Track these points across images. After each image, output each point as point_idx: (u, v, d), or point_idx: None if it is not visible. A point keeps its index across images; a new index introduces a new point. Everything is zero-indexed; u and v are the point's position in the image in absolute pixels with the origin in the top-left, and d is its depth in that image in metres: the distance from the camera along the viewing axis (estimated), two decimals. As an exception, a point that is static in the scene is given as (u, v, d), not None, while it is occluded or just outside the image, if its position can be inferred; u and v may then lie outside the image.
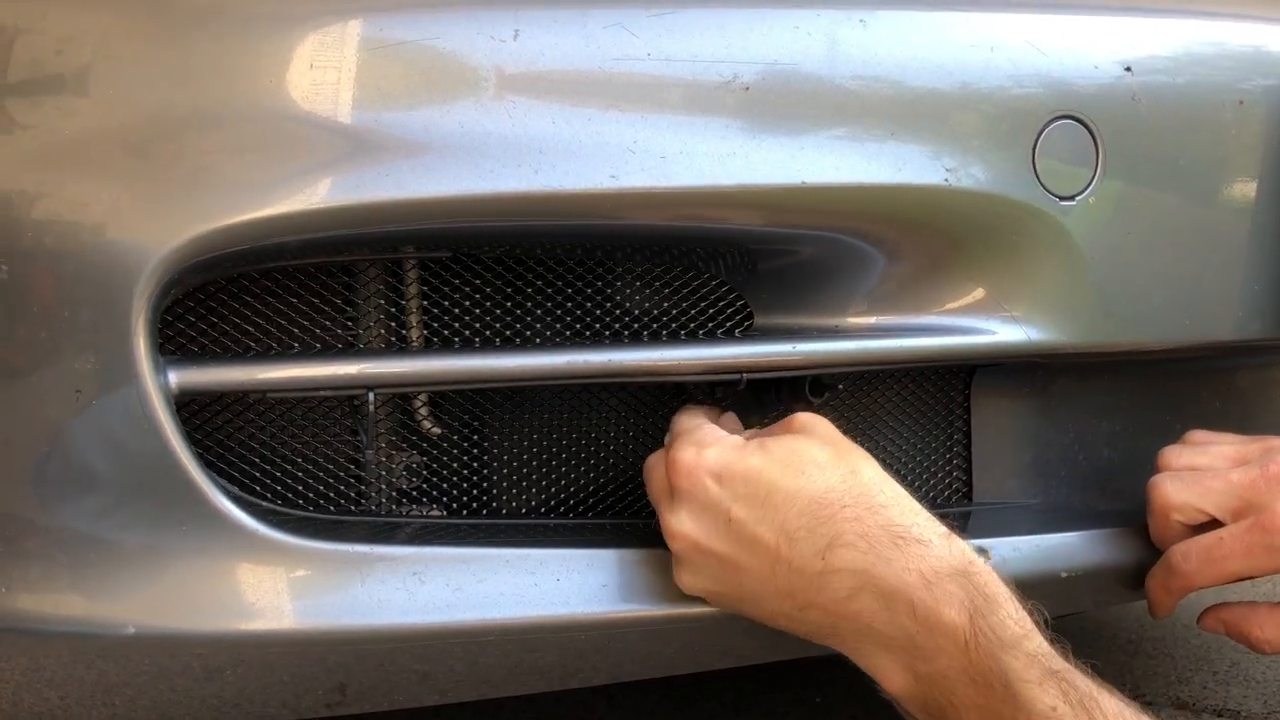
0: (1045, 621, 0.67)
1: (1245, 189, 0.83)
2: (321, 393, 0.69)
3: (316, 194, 0.65)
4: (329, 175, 0.65)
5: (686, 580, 0.72)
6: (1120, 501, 0.90)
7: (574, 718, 1.30)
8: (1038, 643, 0.65)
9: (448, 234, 0.71)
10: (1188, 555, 0.80)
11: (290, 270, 0.72)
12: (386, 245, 0.72)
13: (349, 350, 0.73)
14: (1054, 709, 0.63)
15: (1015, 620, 0.66)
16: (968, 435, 0.89)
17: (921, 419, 0.88)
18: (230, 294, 0.72)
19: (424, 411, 0.78)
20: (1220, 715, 1.33)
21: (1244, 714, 1.33)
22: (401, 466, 0.78)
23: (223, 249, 0.65)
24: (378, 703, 0.73)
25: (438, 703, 0.74)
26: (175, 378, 0.66)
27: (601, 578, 0.72)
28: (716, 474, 0.69)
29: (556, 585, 0.71)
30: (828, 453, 0.70)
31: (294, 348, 0.72)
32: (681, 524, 0.70)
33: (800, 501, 0.68)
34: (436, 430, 0.78)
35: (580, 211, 0.69)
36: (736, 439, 0.71)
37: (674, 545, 0.71)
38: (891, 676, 0.69)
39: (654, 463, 0.74)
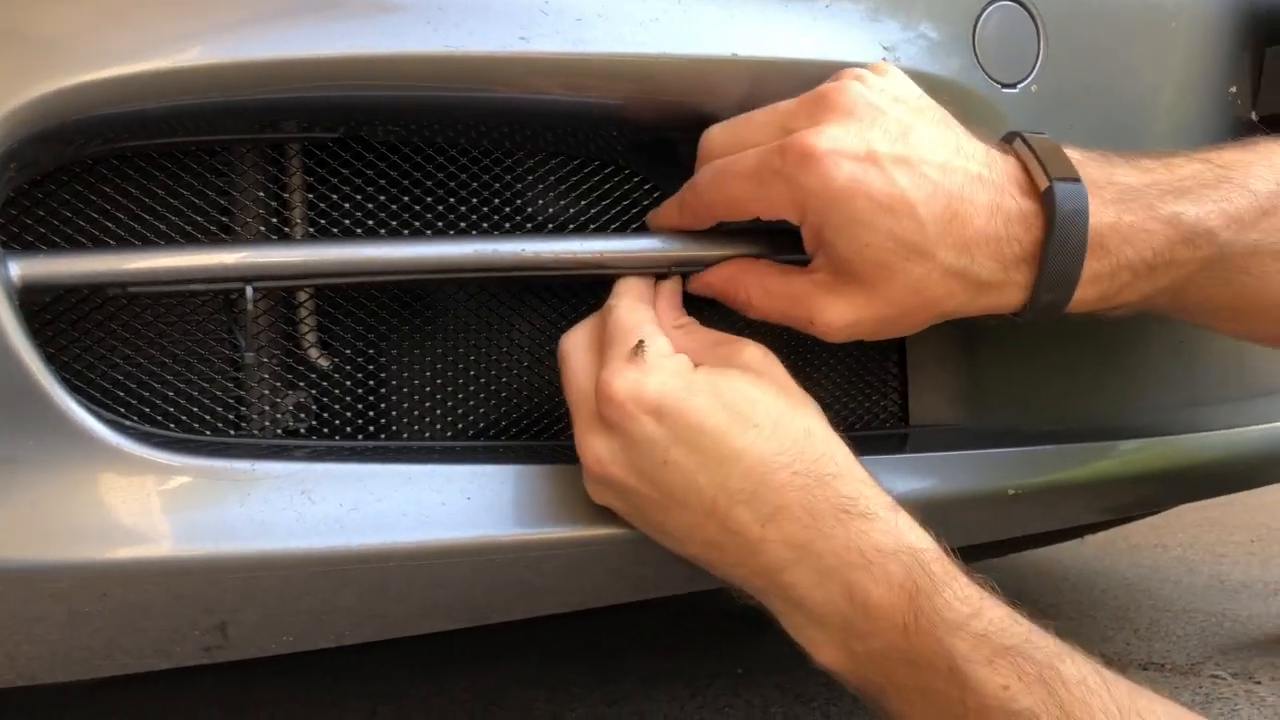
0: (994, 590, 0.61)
1: (1191, 78, 0.79)
2: (191, 286, 0.60)
3: (182, 51, 0.56)
4: (197, 30, 0.56)
5: (600, 495, 0.65)
6: (1063, 423, 0.86)
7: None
8: (988, 620, 0.59)
9: (334, 105, 0.63)
10: (706, 170, 0.67)
11: (156, 153, 0.64)
12: (266, 120, 0.64)
13: (223, 240, 0.64)
14: (1006, 687, 0.57)
15: (961, 599, 0.59)
16: (902, 355, 0.84)
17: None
18: (88, 183, 0.63)
19: (311, 338, 0.69)
20: (1145, 669, 1.32)
21: (1169, 666, 1.33)
22: (289, 406, 0.69)
23: (70, 116, 0.56)
24: (264, 645, 0.65)
25: (333, 644, 0.66)
26: (17, 269, 0.57)
27: (519, 495, 0.65)
28: (656, 409, 0.61)
29: (467, 504, 0.63)
30: (781, 404, 0.63)
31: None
32: (604, 451, 0.63)
33: (748, 460, 0.61)
34: (325, 362, 0.70)
35: (485, 78, 0.61)
36: (682, 362, 0.63)
37: (591, 469, 0.64)
38: (823, 650, 0.63)
39: (575, 351, 0.66)
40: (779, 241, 0.69)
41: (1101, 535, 1.99)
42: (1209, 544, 2.01)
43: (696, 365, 0.65)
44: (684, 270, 0.68)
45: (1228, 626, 1.47)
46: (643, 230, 0.70)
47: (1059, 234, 0.64)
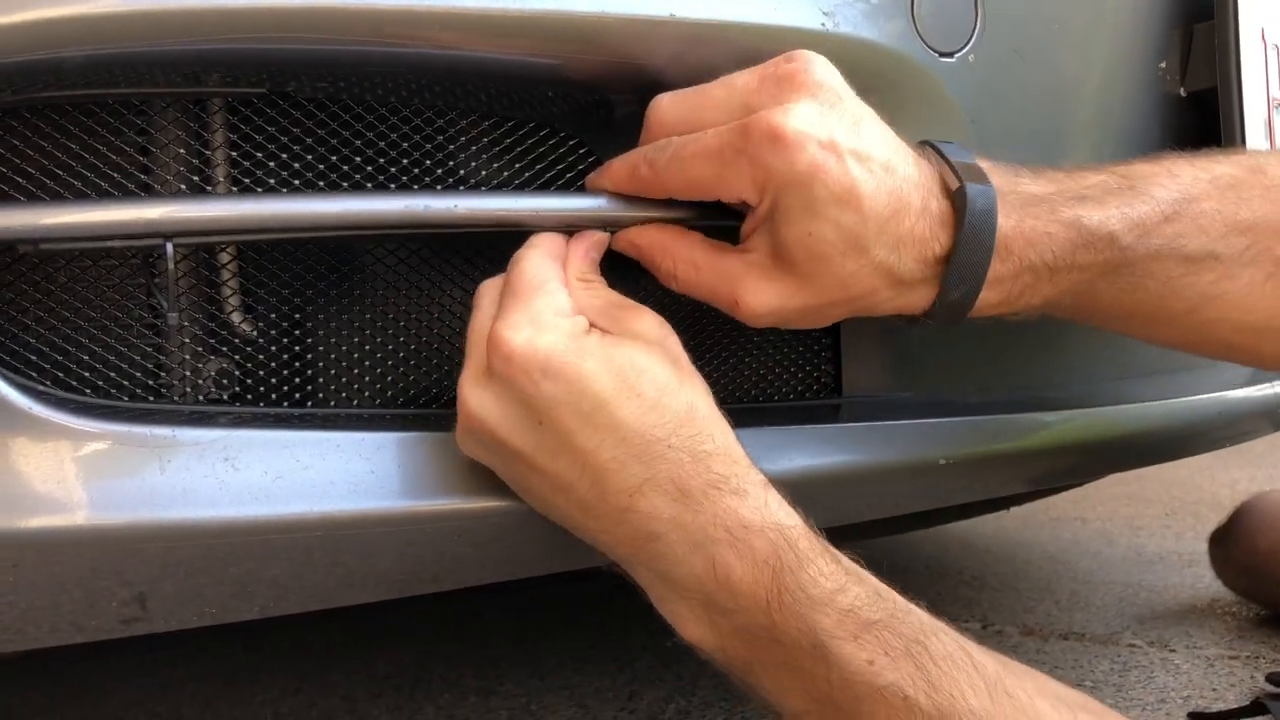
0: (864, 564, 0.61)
1: (1123, 53, 0.79)
2: (108, 242, 0.58)
3: (97, -3, 0.54)
4: (112, -25, 0.54)
5: (469, 447, 0.64)
6: (992, 394, 0.86)
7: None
8: (854, 595, 0.59)
9: (259, 59, 0.60)
10: (666, 146, 0.65)
11: (70, 105, 0.61)
12: (188, 73, 0.61)
13: (142, 195, 0.62)
14: (871, 663, 0.57)
15: (827, 575, 0.59)
16: (835, 325, 0.83)
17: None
18: (-4, 136, 0.60)
19: (234, 301, 0.67)
20: (1066, 639, 1.35)
21: (1088, 636, 1.35)
22: (212, 372, 0.67)
23: (-23, 63, 0.53)
24: (186, 618, 0.63)
25: (257, 616, 0.64)
26: (-81, 222, 0.55)
27: (451, 463, 0.63)
28: (544, 367, 0.60)
29: (398, 471, 0.62)
30: (668, 375, 0.62)
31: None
32: (482, 403, 0.61)
33: (624, 429, 0.60)
34: (249, 327, 0.67)
35: (414, 34, 0.59)
36: (578, 324, 0.62)
37: (464, 420, 0.62)
38: (688, 625, 0.63)
39: (486, 293, 0.64)
40: (711, 209, 0.68)
41: (1024, 508, 2.02)
42: (1126, 517, 2.06)
43: (592, 326, 0.63)
44: (614, 229, 0.67)
45: (1144, 596, 1.51)
46: (577, 190, 0.69)
47: (969, 231, 0.65)
